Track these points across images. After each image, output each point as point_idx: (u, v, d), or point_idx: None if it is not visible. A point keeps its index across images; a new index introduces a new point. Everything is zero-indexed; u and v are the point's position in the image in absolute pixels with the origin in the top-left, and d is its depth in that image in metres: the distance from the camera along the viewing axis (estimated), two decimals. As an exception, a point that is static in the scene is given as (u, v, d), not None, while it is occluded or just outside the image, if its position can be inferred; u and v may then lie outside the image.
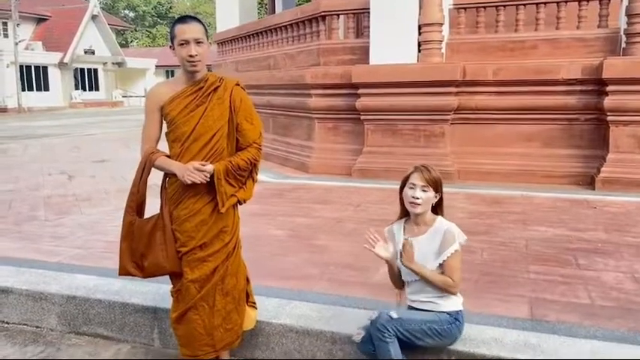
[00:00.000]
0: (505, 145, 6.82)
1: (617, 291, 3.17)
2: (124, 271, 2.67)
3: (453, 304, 2.41)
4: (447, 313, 2.40)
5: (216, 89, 2.56)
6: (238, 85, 2.64)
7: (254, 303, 2.85)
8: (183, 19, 2.50)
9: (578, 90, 6.41)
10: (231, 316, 2.63)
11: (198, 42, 2.45)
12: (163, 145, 2.63)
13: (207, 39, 2.53)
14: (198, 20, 2.52)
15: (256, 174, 2.72)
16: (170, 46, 2.55)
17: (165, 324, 2.99)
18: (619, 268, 3.58)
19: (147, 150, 2.60)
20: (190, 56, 2.45)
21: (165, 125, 2.63)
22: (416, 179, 2.39)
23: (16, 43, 32.42)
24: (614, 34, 6.50)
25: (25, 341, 3.16)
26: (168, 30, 2.58)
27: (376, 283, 3.29)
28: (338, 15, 7.76)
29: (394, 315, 2.35)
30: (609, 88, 6.10)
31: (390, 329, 2.31)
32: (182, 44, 2.45)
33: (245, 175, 2.63)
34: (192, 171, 2.46)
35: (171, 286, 2.69)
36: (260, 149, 2.65)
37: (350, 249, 4.04)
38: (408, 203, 2.42)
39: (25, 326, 3.33)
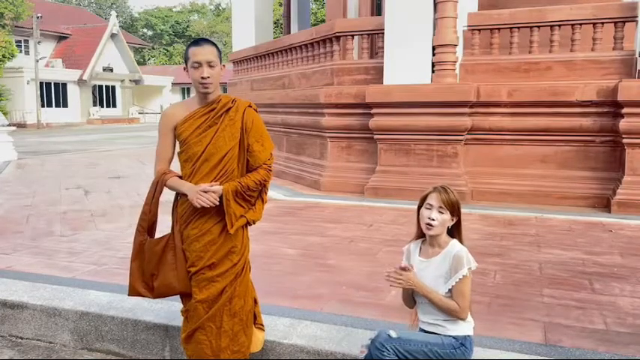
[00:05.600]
0: (519, 166, 6.79)
1: (633, 317, 3.12)
2: (134, 292, 2.68)
3: (461, 328, 2.38)
4: (453, 337, 2.36)
5: (228, 110, 2.60)
6: (251, 106, 2.67)
7: (262, 325, 2.84)
8: (197, 41, 2.55)
9: (593, 112, 6.38)
10: (239, 338, 2.63)
11: (210, 64, 2.50)
12: (177, 165, 2.67)
13: (221, 61, 2.58)
14: (212, 43, 2.57)
15: (265, 194, 2.73)
16: (184, 68, 2.61)
17: (176, 342, 3.01)
18: (635, 293, 3.52)
19: (159, 170, 2.64)
20: (202, 78, 2.50)
21: (177, 145, 2.67)
22: (433, 200, 2.37)
23: (37, 61, 33.17)
24: (629, 56, 6.48)
25: (38, 357, 3.18)
26: (184, 50, 2.64)
27: (388, 305, 3.27)
28: (352, 36, 7.85)
29: (393, 334, 2.33)
30: (625, 110, 6.06)
31: (388, 348, 2.30)
32: (195, 66, 2.51)
33: (254, 195, 2.64)
34: (202, 194, 2.49)
35: (182, 305, 2.71)
36: (270, 170, 2.67)
37: (362, 269, 4.03)
38: (423, 224, 2.39)
39: (38, 342, 3.36)
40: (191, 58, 2.51)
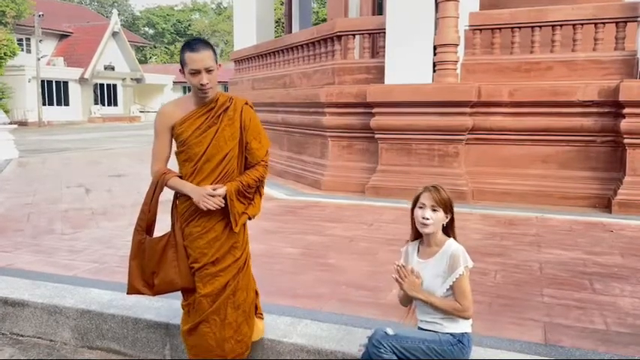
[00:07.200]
0: (520, 165, 6.78)
1: (633, 317, 3.12)
2: (133, 290, 2.70)
3: (459, 326, 2.38)
4: (451, 334, 2.37)
5: (226, 110, 2.61)
6: (247, 104, 2.69)
7: (261, 314, 2.91)
8: (193, 46, 2.48)
9: (594, 112, 6.37)
10: (242, 329, 2.68)
11: (208, 70, 2.49)
12: (172, 163, 2.67)
13: (217, 61, 2.56)
14: (208, 45, 2.53)
15: (263, 188, 2.77)
16: (180, 70, 2.58)
17: (176, 340, 3.01)
18: (635, 293, 3.52)
19: (159, 170, 2.64)
20: (202, 85, 2.49)
21: (175, 144, 2.67)
22: (426, 199, 2.39)
23: (39, 59, 33.16)
24: (630, 56, 6.48)
25: (38, 354, 3.19)
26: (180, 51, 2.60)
27: (388, 304, 3.27)
28: (353, 35, 7.85)
29: (390, 332, 2.34)
30: (626, 110, 6.05)
31: (385, 345, 2.31)
32: (192, 73, 2.49)
33: (253, 191, 2.68)
34: (209, 198, 2.51)
35: (182, 299, 2.73)
36: (267, 166, 2.72)
37: (362, 268, 4.03)
38: (418, 224, 2.41)
39: (39, 339, 3.36)
40: (189, 65, 2.48)
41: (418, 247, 2.50)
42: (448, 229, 2.45)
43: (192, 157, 2.59)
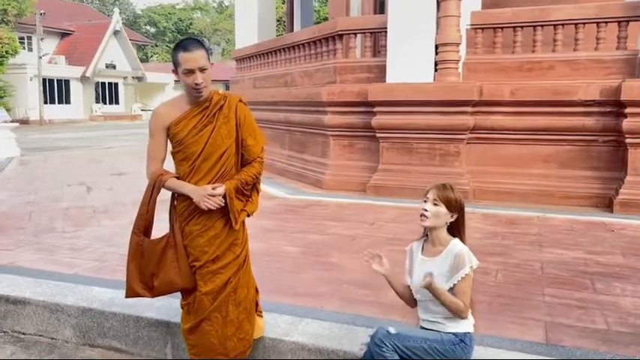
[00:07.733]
0: (522, 165, 6.78)
1: (635, 317, 3.12)
2: (132, 293, 2.69)
3: (461, 325, 2.38)
4: (453, 333, 2.37)
5: (221, 108, 2.62)
6: (241, 101, 2.70)
7: (261, 311, 2.92)
8: (186, 46, 2.48)
9: (596, 111, 6.37)
10: (243, 326, 2.69)
11: (202, 70, 2.49)
12: (168, 163, 2.67)
13: (210, 60, 2.56)
14: (201, 44, 2.53)
15: (259, 184, 2.78)
16: (173, 70, 2.56)
17: (178, 339, 3.01)
18: (637, 293, 3.52)
19: (156, 171, 2.64)
20: (196, 84, 2.49)
21: (170, 144, 2.66)
22: (431, 193, 2.41)
23: (40, 57, 33.18)
24: (632, 56, 6.46)
25: (40, 352, 3.20)
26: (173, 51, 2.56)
27: (389, 303, 3.27)
28: (355, 34, 7.84)
29: (392, 330, 2.35)
30: (628, 110, 6.05)
31: (387, 344, 2.31)
32: (186, 73, 2.48)
33: (250, 188, 2.70)
34: (209, 198, 2.52)
35: (181, 298, 2.74)
36: (263, 163, 2.73)
37: (363, 267, 3.99)
38: (419, 216, 2.43)
39: (40, 337, 3.37)
40: (182, 65, 2.48)
41: (423, 245, 2.51)
42: (455, 230, 2.44)
43: (190, 157, 2.60)
